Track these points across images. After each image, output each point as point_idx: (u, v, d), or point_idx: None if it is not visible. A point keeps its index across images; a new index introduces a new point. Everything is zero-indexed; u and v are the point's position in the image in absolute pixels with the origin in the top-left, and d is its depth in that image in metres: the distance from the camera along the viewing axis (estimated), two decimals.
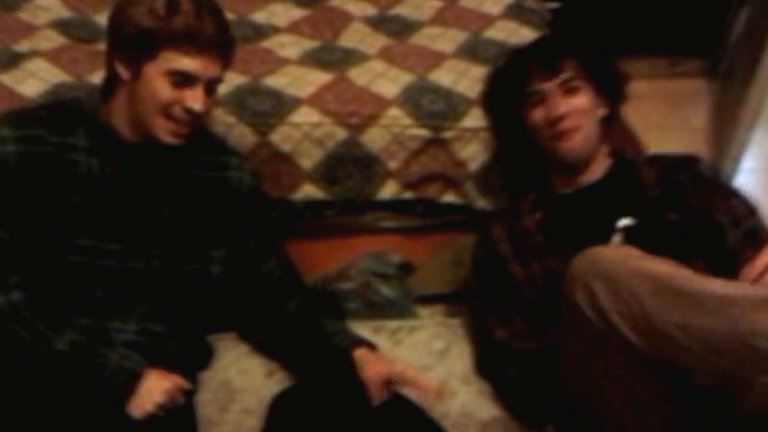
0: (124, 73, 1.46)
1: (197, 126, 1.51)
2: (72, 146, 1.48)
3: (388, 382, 1.53)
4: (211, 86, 1.48)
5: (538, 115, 1.64)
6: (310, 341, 1.65)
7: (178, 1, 1.41)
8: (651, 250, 1.42)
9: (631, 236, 1.57)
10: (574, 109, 1.62)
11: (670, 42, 3.52)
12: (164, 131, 1.46)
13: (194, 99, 1.44)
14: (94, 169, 1.49)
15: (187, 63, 1.41)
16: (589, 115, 1.66)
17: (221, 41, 1.45)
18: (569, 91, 1.63)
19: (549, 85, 1.63)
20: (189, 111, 1.45)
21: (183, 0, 1.41)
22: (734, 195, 1.62)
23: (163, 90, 1.43)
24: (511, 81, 1.71)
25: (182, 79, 1.42)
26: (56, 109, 1.55)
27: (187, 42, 1.40)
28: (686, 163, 1.69)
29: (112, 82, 1.50)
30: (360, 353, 1.59)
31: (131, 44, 1.43)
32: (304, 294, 1.73)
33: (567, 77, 1.63)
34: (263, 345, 1.78)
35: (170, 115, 1.45)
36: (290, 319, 1.69)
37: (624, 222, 1.60)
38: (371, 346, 1.64)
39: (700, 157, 1.71)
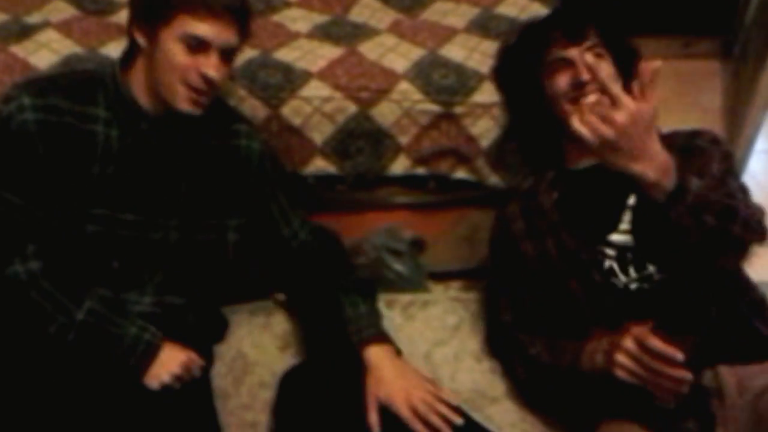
0: (142, 40, 1.46)
1: (215, 95, 1.50)
2: (91, 116, 1.48)
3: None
4: (226, 55, 1.46)
5: (562, 81, 1.61)
6: (327, 322, 1.64)
7: None
8: (658, 228, 1.42)
9: (638, 214, 1.56)
10: (598, 77, 1.59)
11: (684, 23, 3.49)
12: (183, 99, 1.45)
13: (208, 65, 1.43)
14: (113, 140, 1.49)
15: (201, 28, 1.40)
16: (611, 83, 1.64)
17: (236, 8, 1.44)
18: (594, 56, 1.61)
19: (573, 52, 1.61)
20: (205, 78, 1.43)
21: None
22: (733, 176, 1.59)
23: (179, 55, 1.42)
24: (532, 50, 1.68)
25: (196, 45, 1.41)
26: (76, 79, 1.54)
27: (201, 6, 1.39)
28: (696, 136, 1.66)
29: (131, 51, 1.50)
30: (371, 354, 1.55)
31: (148, 10, 1.43)
32: (335, 262, 1.72)
33: (591, 44, 1.61)
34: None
35: (188, 82, 1.44)
36: (313, 293, 1.68)
37: (634, 199, 1.58)
38: (386, 340, 1.59)
39: (708, 131, 1.68)
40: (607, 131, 1.33)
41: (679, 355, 1.28)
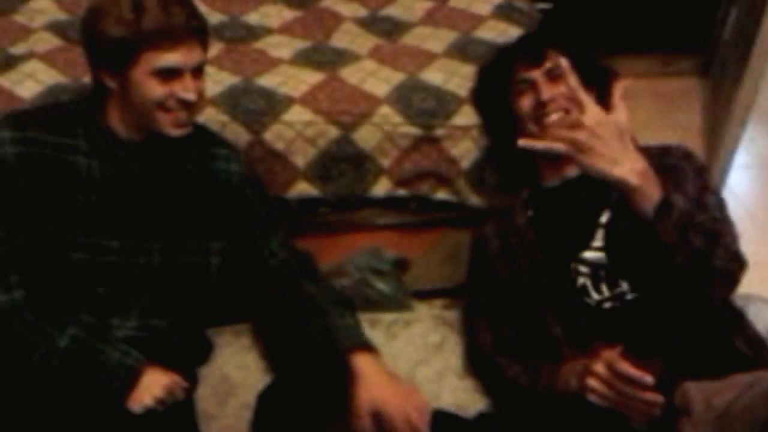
0: (110, 83, 1.47)
1: (196, 113, 1.54)
2: (71, 148, 1.50)
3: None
4: (197, 71, 1.48)
5: (526, 102, 1.67)
6: (314, 334, 1.59)
7: (142, 1, 1.41)
8: (631, 244, 1.43)
9: (612, 231, 1.58)
10: (560, 94, 1.64)
11: (662, 41, 3.54)
12: (168, 125, 1.48)
13: (184, 89, 1.45)
14: (94, 170, 1.51)
15: (169, 58, 1.42)
16: (575, 102, 1.67)
17: (195, 27, 1.45)
18: (554, 78, 1.66)
19: (535, 74, 1.66)
20: (183, 101, 1.46)
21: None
22: (710, 191, 1.62)
23: (153, 89, 1.44)
24: (499, 73, 1.75)
25: (168, 74, 1.44)
26: (55, 111, 1.56)
27: (163, 39, 1.41)
28: (666, 153, 1.69)
29: (101, 91, 1.51)
30: (361, 361, 1.52)
31: (110, 56, 1.44)
32: (314, 279, 1.69)
33: (551, 66, 1.66)
34: (270, 333, 1.78)
35: (168, 109, 1.46)
36: (298, 306, 1.64)
37: (607, 216, 1.61)
38: (374, 350, 1.58)
39: (679, 146, 1.72)
40: (578, 134, 1.34)
41: (649, 379, 1.30)
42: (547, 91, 1.64)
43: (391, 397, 1.45)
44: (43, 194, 1.47)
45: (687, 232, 1.36)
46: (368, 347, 1.57)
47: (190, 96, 1.46)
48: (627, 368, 1.32)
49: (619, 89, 1.40)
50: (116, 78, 1.46)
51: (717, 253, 1.40)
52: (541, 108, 1.64)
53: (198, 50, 1.46)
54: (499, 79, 1.74)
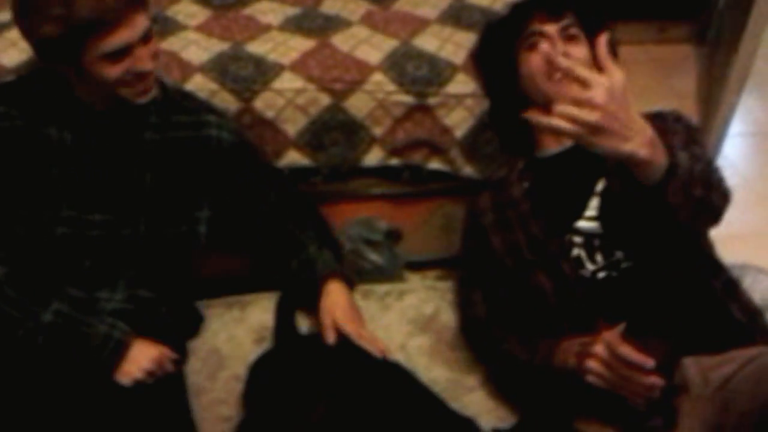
0: (66, 71, 1.43)
1: (158, 75, 1.50)
2: (42, 120, 1.47)
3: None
4: (146, 36, 1.43)
5: (537, 58, 1.62)
6: (295, 269, 1.71)
7: None
8: (627, 211, 1.41)
9: (607, 199, 1.56)
10: (573, 55, 1.60)
11: (658, 8, 3.52)
12: (133, 96, 1.45)
13: (139, 62, 1.41)
14: (68, 140, 1.48)
15: (114, 40, 1.36)
16: (585, 66, 1.64)
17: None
18: (569, 38, 1.62)
19: (551, 28, 1.62)
20: (142, 72, 1.43)
21: None
22: (696, 143, 1.60)
23: (108, 71, 1.39)
24: (512, 25, 1.69)
25: (118, 54, 1.39)
26: (25, 84, 1.53)
27: (100, 25, 1.34)
28: (658, 116, 1.66)
29: (59, 75, 1.47)
30: (330, 287, 1.67)
31: (54, 54, 1.39)
32: (304, 222, 1.77)
33: (568, 23, 1.62)
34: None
35: (126, 82, 1.43)
36: (282, 246, 1.74)
37: (603, 184, 1.59)
38: (347, 279, 1.71)
39: (671, 111, 1.69)
40: (589, 115, 1.24)
41: (650, 363, 1.28)
42: (561, 47, 1.60)
43: (351, 318, 1.63)
44: (18, 169, 1.45)
45: (689, 186, 1.32)
46: (341, 276, 1.69)
47: (147, 66, 1.42)
48: (628, 351, 1.30)
49: (603, 45, 1.33)
50: (67, 68, 1.41)
51: (713, 198, 1.38)
52: (552, 64, 1.59)
53: (141, 18, 1.40)
54: (510, 31, 1.68)
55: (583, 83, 1.26)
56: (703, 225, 1.46)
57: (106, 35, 1.35)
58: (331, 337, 1.59)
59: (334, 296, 1.66)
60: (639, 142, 1.26)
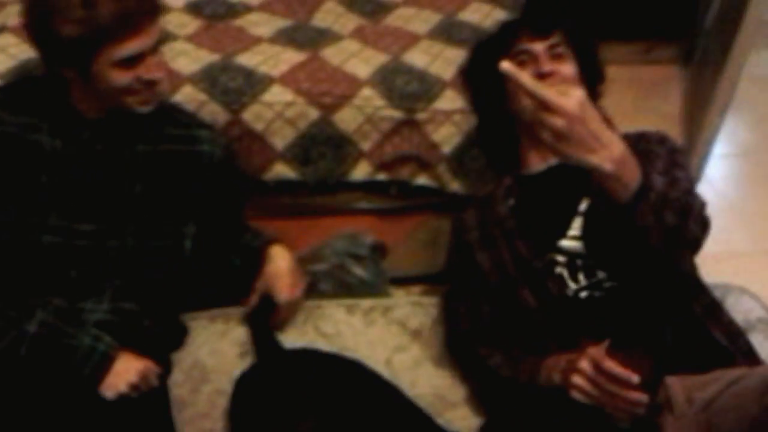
0: (71, 75, 1.43)
1: (163, 87, 1.51)
2: (34, 126, 1.46)
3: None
4: (157, 46, 1.44)
5: (524, 75, 1.63)
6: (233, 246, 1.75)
7: None
8: (613, 231, 1.41)
9: (590, 219, 1.57)
10: (559, 73, 1.62)
11: (644, 28, 3.54)
12: (137, 104, 1.46)
13: (149, 71, 1.42)
14: (59, 148, 1.47)
15: (129, 47, 1.38)
16: (572, 85, 1.66)
17: (148, 8, 1.40)
18: (556, 56, 1.64)
19: (538, 46, 1.63)
20: (149, 81, 1.43)
21: None
22: (679, 167, 1.61)
23: (118, 78, 1.40)
24: (500, 42, 1.71)
25: (131, 61, 1.40)
26: (17, 90, 1.52)
27: (120, 31, 1.35)
28: (642, 138, 1.68)
29: (61, 80, 1.46)
30: (271, 253, 1.71)
31: (66, 55, 1.39)
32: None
33: (555, 42, 1.64)
34: None
35: (133, 90, 1.43)
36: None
37: (586, 205, 1.60)
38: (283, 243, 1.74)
39: (656, 132, 1.71)
40: (556, 120, 1.25)
41: (635, 378, 1.28)
42: (548, 65, 1.61)
43: (282, 284, 1.68)
44: (7, 175, 1.44)
45: (662, 211, 1.34)
46: (278, 241, 1.74)
47: (157, 76, 1.43)
48: (613, 367, 1.30)
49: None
50: (77, 72, 1.41)
51: (689, 226, 1.38)
52: (540, 80, 1.60)
53: (155, 27, 1.42)
54: (498, 48, 1.70)
55: (545, 105, 1.27)
56: (680, 253, 1.46)
57: (123, 41, 1.36)
58: (252, 300, 1.69)
59: (276, 262, 1.70)
60: (605, 155, 1.27)
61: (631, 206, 1.31)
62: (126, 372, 1.46)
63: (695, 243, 1.44)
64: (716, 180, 3.03)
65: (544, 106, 1.25)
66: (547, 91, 1.28)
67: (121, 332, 1.51)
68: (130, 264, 1.54)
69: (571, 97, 1.26)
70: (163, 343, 1.64)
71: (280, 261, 1.71)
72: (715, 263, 1.70)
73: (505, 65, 1.31)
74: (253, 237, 1.75)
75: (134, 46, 1.38)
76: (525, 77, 1.31)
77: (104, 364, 1.45)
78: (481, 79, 1.79)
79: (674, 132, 3.08)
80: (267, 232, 1.77)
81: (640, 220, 1.32)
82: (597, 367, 1.32)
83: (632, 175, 1.31)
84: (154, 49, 1.43)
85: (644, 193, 1.32)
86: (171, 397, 1.59)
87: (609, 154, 1.28)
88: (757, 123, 3.38)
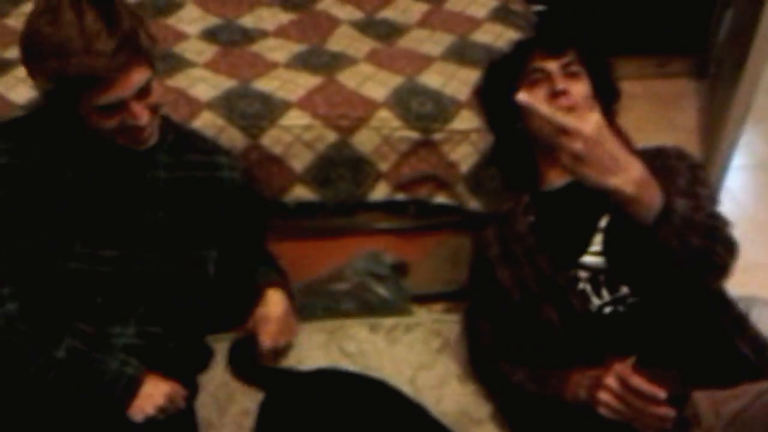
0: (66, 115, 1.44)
1: (157, 122, 1.48)
2: (56, 155, 1.48)
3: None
4: (143, 91, 1.40)
5: (539, 93, 1.64)
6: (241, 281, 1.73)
7: (65, 43, 1.30)
8: (636, 250, 1.41)
9: (611, 235, 1.57)
10: (574, 92, 1.62)
11: (658, 43, 3.54)
12: (131, 143, 1.46)
13: (132, 117, 1.40)
14: (80, 176, 1.49)
15: (107, 96, 1.35)
16: (587, 102, 1.66)
17: (129, 52, 1.34)
18: (570, 75, 1.64)
19: (552, 65, 1.64)
20: (137, 126, 1.42)
21: (70, 37, 1.30)
22: (701, 184, 1.61)
23: (102, 122, 1.39)
24: (514, 62, 1.72)
25: (112, 108, 1.38)
26: (35, 120, 1.54)
27: (93, 81, 1.32)
28: (661, 154, 1.68)
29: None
30: (267, 297, 1.68)
31: (52, 101, 1.40)
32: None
33: (569, 61, 1.64)
34: None
35: (122, 133, 1.43)
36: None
37: (606, 220, 1.60)
38: (284, 287, 1.72)
39: (673, 147, 1.71)
40: (575, 144, 1.26)
41: (662, 394, 1.28)
42: (562, 83, 1.62)
43: (268, 329, 1.64)
44: (27, 204, 1.45)
45: (687, 235, 1.33)
46: (277, 284, 1.71)
47: (140, 122, 1.40)
48: (640, 382, 1.29)
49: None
50: (69, 112, 1.41)
51: (716, 249, 1.37)
52: (554, 98, 1.61)
53: (138, 73, 1.37)
54: (512, 68, 1.71)
55: (563, 130, 1.28)
56: (708, 277, 1.44)
57: (99, 91, 1.34)
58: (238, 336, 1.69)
59: (269, 306, 1.67)
60: (625, 178, 1.27)
61: (653, 229, 1.31)
62: (153, 395, 1.47)
63: (723, 268, 1.42)
64: (735, 191, 3.02)
65: (562, 130, 1.27)
66: (565, 117, 1.29)
67: (148, 356, 1.52)
68: (154, 289, 1.55)
69: (588, 121, 1.26)
70: (189, 365, 1.66)
71: (272, 306, 1.67)
72: (736, 275, 1.68)
73: (521, 97, 1.33)
74: (261, 274, 1.73)
75: (111, 96, 1.35)
76: (542, 106, 1.33)
77: (132, 388, 1.46)
78: (495, 98, 1.79)
79: (692, 145, 3.08)
80: (274, 272, 1.76)
81: (664, 243, 1.31)
82: (624, 383, 1.32)
83: (653, 197, 1.31)
84: (142, 94, 1.39)
85: (667, 216, 1.31)
86: (198, 419, 1.60)
87: (628, 176, 1.27)
88: None
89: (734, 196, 2.97)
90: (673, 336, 1.45)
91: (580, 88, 1.64)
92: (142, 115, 1.40)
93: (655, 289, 1.47)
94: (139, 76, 1.37)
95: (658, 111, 3.41)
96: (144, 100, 1.41)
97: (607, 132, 1.28)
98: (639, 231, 1.33)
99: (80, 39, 1.30)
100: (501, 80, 1.75)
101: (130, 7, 1.41)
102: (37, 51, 1.34)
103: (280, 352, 1.72)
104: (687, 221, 1.33)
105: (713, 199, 1.54)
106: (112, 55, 1.31)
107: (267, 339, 1.63)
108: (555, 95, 1.61)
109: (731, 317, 1.55)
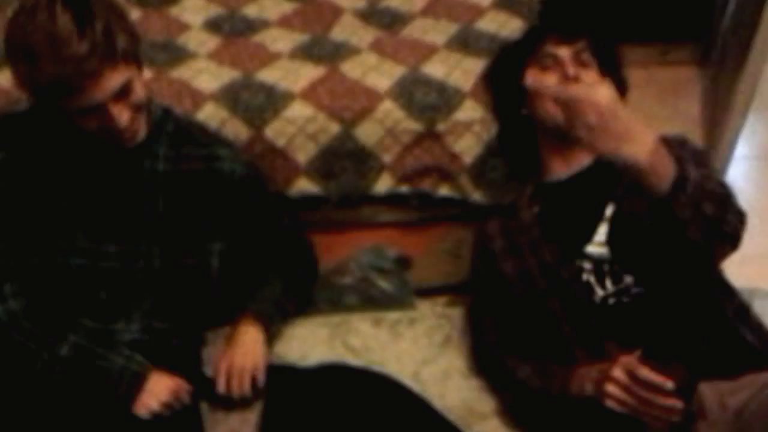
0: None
1: (142, 119, 1.46)
2: (54, 149, 1.48)
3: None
4: (122, 93, 1.37)
5: (550, 79, 1.63)
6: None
7: (33, 48, 1.28)
8: (636, 235, 1.41)
9: (616, 224, 1.57)
10: (583, 80, 1.61)
11: (661, 30, 3.52)
12: (115, 142, 1.44)
13: (111, 119, 1.37)
14: (79, 172, 1.49)
15: (82, 100, 1.33)
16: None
17: (102, 55, 1.30)
18: (581, 63, 1.64)
19: (564, 51, 1.63)
20: (118, 128, 1.40)
21: (39, 42, 1.28)
22: (704, 167, 1.60)
23: (84, 123, 1.38)
24: (526, 46, 1.71)
25: (90, 111, 1.36)
26: (37, 115, 1.52)
27: (64, 87, 1.30)
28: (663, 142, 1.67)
29: None
30: (240, 327, 1.66)
31: (39, 98, 1.40)
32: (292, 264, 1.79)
33: (581, 48, 1.64)
34: None
35: (105, 132, 1.41)
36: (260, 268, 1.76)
37: (611, 210, 1.59)
38: (259, 320, 1.68)
39: (676, 136, 1.70)
40: (589, 116, 1.26)
41: (669, 384, 1.28)
42: (573, 69, 1.61)
43: (224, 364, 1.60)
44: (28, 200, 1.45)
45: (701, 202, 1.33)
46: (253, 316, 1.67)
47: (120, 124, 1.38)
48: (648, 374, 1.29)
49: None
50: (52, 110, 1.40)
51: (728, 218, 1.38)
52: (565, 83, 1.60)
53: (113, 76, 1.33)
54: (523, 52, 1.70)
55: (576, 104, 1.27)
56: (720, 247, 1.44)
57: (71, 97, 1.32)
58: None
59: (234, 348, 1.63)
60: (640, 147, 1.27)
61: (669, 199, 1.30)
62: (158, 391, 1.47)
63: (734, 236, 1.42)
64: (738, 182, 3.01)
65: (575, 105, 1.27)
66: (575, 89, 1.29)
67: (153, 351, 1.53)
68: (157, 284, 1.55)
69: (600, 92, 1.27)
70: (194, 360, 1.66)
71: (238, 348, 1.63)
72: (738, 265, 1.68)
73: (529, 79, 1.33)
74: (253, 297, 1.72)
75: (84, 101, 1.33)
76: (550, 86, 1.32)
77: (137, 384, 1.47)
78: (504, 83, 1.78)
79: (695, 134, 3.07)
80: (268, 292, 1.74)
81: (680, 213, 1.31)
82: (631, 374, 1.32)
83: (667, 166, 1.31)
84: (121, 95, 1.36)
85: (681, 184, 1.30)
86: (204, 413, 1.61)
87: (643, 145, 1.28)
88: None
89: (737, 186, 2.94)
90: (678, 326, 1.45)
91: (589, 77, 1.63)
92: (120, 117, 1.37)
93: (662, 275, 1.48)
94: (114, 80, 1.34)
95: (662, 99, 3.39)
96: (124, 101, 1.38)
97: (619, 102, 1.28)
98: (654, 205, 1.32)
99: (48, 45, 1.27)
100: (511, 64, 1.74)
101: (111, 3, 1.37)
102: (11, 54, 1.33)
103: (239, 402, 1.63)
104: (700, 189, 1.33)
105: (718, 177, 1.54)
106: (82, 60, 1.28)
107: (220, 385, 1.60)
108: (566, 81, 1.60)
109: (736, 307, 1.55)
